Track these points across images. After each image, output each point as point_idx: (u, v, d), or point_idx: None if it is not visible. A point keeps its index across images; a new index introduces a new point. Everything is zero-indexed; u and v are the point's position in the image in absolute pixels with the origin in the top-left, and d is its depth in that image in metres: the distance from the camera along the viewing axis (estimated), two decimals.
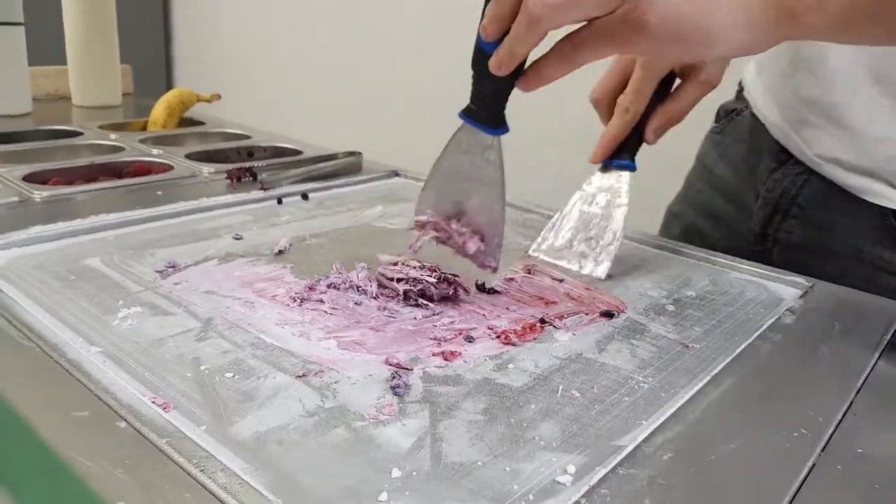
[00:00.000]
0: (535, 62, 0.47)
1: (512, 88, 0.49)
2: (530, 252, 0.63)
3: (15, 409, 0.36)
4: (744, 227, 0.74)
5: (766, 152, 0.72)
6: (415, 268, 0.53)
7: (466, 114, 0.52)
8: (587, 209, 0.62)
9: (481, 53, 0.48)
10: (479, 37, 0.47)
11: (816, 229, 0.68)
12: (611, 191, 0.62)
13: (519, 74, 0.48)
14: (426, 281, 0.52)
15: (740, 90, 0.80)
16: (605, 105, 0.62)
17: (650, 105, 0.60)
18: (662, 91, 0.61)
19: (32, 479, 0.32)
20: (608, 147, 0.62)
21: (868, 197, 0.63)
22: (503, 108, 0.51)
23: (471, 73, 0.50)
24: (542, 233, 0.64)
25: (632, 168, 0.62)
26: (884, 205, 0.63)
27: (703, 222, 0.80)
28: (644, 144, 0.62)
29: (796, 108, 0.68)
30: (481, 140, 0.52)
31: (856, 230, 0.66)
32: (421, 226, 0.57)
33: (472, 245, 0.54)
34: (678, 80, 0.62)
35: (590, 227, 0.61)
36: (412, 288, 0.52)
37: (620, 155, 0.62)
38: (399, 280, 0.52)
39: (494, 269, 0.55)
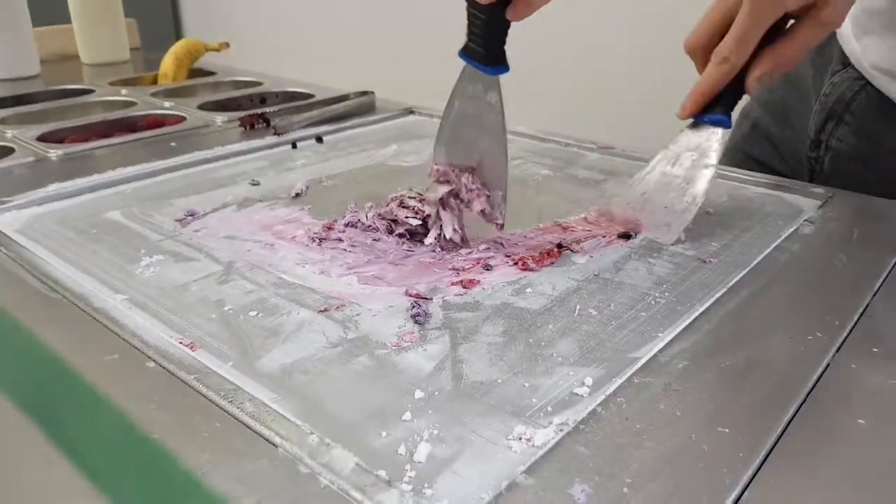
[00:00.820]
0: None
1: (507, 22, 0.47)
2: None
3: (55, 353, 0.38)
4: (807, 130, 0.72)
5: (835, 55, 0.70)
6: (405, 207, 0.53)
7: (464, 52, 0.49)
8: (670, 170, 0.54)
9: None
10: None
11: (866, 139, 0.66)
12: (698, 150, 0.53)
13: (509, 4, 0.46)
14: (408, 222, 0.52)
15: None
16: (702, 53, 0.53)
17: (754, 52, 0.51)
18: (770, 36, 0.51)
19: (77, 420, 0.33)
20: (701, 100, 0.53)
21: None
22: (501, 44, 0.48)
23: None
24: (617, 189, 0.59)
25: (726, 125, 0.53)
26: None
27: (771, 122, 0.78)
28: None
29: (861, 19, 0.65)
30: (483, 81, 0.49)
31: None
32: (436, 176, 0.53)
33: (478, 205, 0.51)
34: (791, 22, 0.52)
35: (668, 191, 0.53)
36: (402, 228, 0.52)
37: (713, 109, 0.53)
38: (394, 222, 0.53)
39: (501, 226, 0.52)
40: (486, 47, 0.48)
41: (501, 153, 0.50)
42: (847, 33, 0.67)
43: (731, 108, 0.53)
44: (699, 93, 0.53)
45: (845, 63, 0.68)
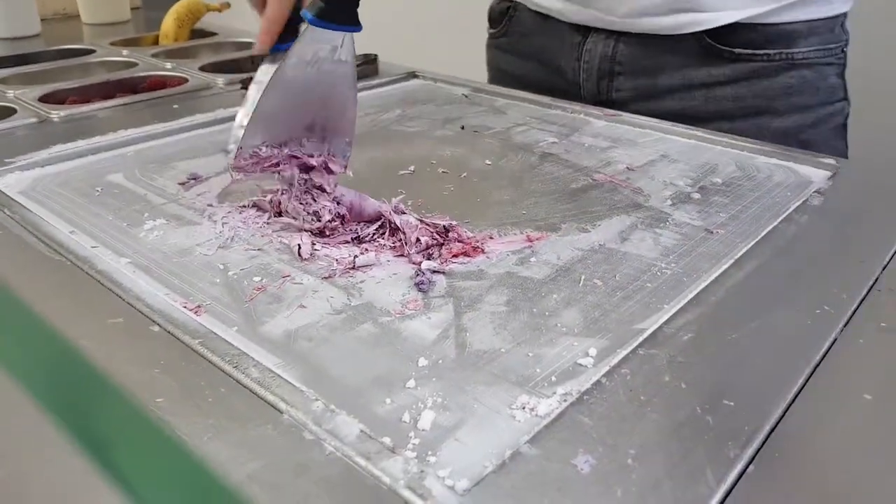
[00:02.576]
0: None
1: None
2: (231, 162, 0.55)
3: (45, 323, 0.38)
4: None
5: (565, 33, 0.75)
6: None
7: (315, 13, 0.47)
8: None
9: None
10: None
11: (643, 77, 0.73)
12: None
13: None
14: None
15: None
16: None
17: None
18: None
19: (75, 397, 0.33)
20: (275, 32, 0.57)
21: (686, 30, 0.68)
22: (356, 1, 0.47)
23: None
24: (238, 139, 0.56)
25: None
26: (699, 30, 0.67)
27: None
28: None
29: None
30: (330, 41, 0.48)
31: (679, 63, 0.70)
32: (242, 168, 0.51)
33: (338, 167, 0.51)
34: None
35: None
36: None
37: (284, 38, 0.57)
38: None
39: (344, 168, 0.51)
40: (340, 3, 0.47)
41: (350, 102, 0.50)
42: (574, 10, 0.73)
43: (297, 34, 0.55)
44: (271, 27, 0.58)
45: (584, 33, 0.74)
